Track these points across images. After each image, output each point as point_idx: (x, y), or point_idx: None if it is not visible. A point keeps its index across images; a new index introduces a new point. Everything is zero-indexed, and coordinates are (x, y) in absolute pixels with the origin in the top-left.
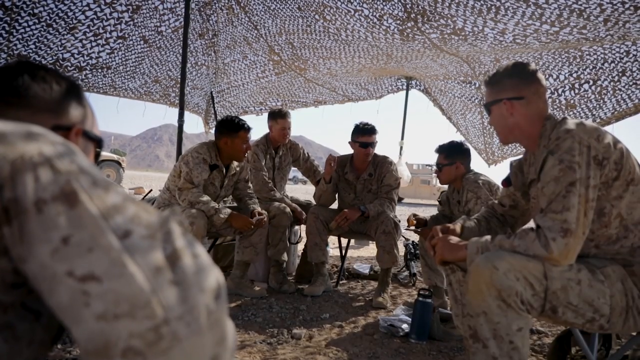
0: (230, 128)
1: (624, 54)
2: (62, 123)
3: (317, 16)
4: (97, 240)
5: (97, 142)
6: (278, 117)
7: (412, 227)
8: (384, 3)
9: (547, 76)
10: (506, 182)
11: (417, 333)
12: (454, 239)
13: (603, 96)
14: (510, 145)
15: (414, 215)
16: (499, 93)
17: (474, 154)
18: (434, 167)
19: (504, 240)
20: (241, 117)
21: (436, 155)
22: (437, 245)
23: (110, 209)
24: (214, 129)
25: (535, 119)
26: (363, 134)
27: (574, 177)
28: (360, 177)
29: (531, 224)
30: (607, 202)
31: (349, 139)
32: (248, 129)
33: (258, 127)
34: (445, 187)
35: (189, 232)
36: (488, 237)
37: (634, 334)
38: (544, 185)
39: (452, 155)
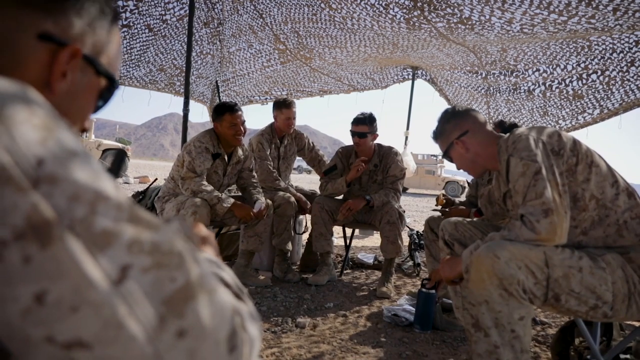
0: (216, 112)
1: (633, 43)
2: (55, 32)
3: (322, 4)
4: (84, 295)
5: (109, 80)
6: (283, 106)
7: (440, 207)
8: None
9: (554, 66)
10: (478, 212)
11: (420, 323)
12: (452, 257)
13: (611, 87)
14: None
15: (444, 195)
16: (447, 139)
17: None
18: (439, 157)
19: (494, 235)
20: (246, 106)
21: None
22: (440, 269)
23: (99, 240)
24: None
25: (486, 142)
26: (352, 123)
27: (537, 167)
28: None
29: None
30: (577, 187)
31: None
32: (233, 111)
33: (263, 116)
34: (450, 176)
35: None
36: (478, 241)
37: (637, 324)
38: (514, 183)
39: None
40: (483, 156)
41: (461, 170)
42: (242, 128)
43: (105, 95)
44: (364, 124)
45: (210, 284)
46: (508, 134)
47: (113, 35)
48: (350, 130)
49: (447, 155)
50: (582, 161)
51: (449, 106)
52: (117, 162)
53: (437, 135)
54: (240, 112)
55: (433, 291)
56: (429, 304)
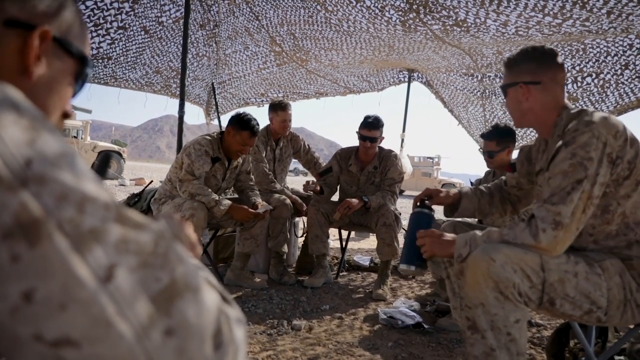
0: (241, 123)
1: (627, 47)
2: (21, 17)
3: (318, 7)
4: (71, 293)
5: (80, 60)
6: (278, 109)
7: None
8: None
9: None
10: (510, 167)
11: (406, 256)
12: (447, 236)
13: (606, 89)
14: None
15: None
16: (516, 76)
17: (476, 146)
18: (435, 160)
19: (492, 232)
20: (242, 108)
21: (482, 142)
22: (427, 241)
23: (86, 239)
24: (215, 120)
25: (550, 106)
26: (364, 127)
27: (582, 175)
28: (365, 170)
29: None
30: (613, 199)
31: (355, 130)
32: (253, 133)
33: (259, 118)
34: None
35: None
36: (477, 231)
37: (632, 326)
38: (552, 176)
39: (504, 141)
40: (537, 116)
41: (458, 172)
42: (248, 151)
43: (81, 76)
44: (376, 129)
45: (195, 283)
46: (576, 111)
47: (77, 14)
48: (361, 135)
49: (504, 89)
50: (633, 176)
51: (542, 45)
52: (102, 164)
53: (510, 65)
54: (256, 138)
55: (427, 211)
56: (421, 227)
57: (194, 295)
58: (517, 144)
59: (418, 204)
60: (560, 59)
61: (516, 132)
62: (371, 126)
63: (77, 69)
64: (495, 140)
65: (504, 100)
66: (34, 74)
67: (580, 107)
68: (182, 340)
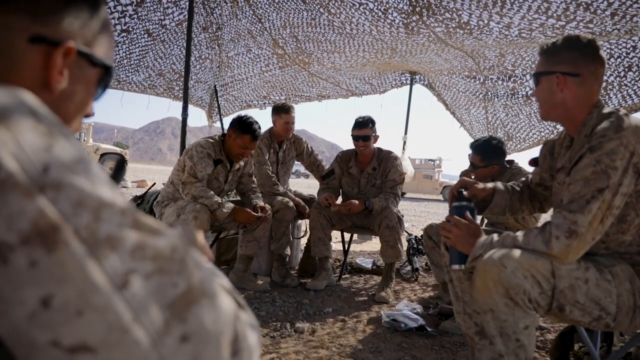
0: (242, 127)
1: (631, 49)
2: (46, 33)
3: (321, 9)
4: (88, 299)
5: (105, 70)
6: (282, 111)
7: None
8: None
9: None
10: (533, 161)
11: (458, 256)
12: (474, 234)
13: (609, 92)
14: (514, 141)
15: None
16: (553, 65)
17: None
18: (437, 162)
19: (507, 237)
20: (245, 110)
21: (470, 152)
22: (455, 231)
23: (103, 246)
24: (217, 122)
25: (584, 102)
26: (354, 127)
27: (605, 184)
28: (364, 171)
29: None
30: (633, 210)
31: None
32: (254, 137)
33: (261, 121)
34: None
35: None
36: (495, 235)
37: (638, 331)
38: (572, 182)
39: (489, 159)
40: (567, 110)
41: (459, 174)
42: (249, 154)
43: (103, 83)
44: (367, 127)
45: (211, 289)
46: (608, 111)
47: (101, 22)
48: (353, 135)
49: (536, 77)
50: None
51: (585, 35)
52: (118, 169)
53: (548, 52)
54: (257, 142)
55: (465, 203)
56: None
57: (211, 302)
58: (518, 145)
59: (455, 195)
60: (603, 54)
61: (518, 135)
62: (360, 125)
63: (100, 76)
64: (481, 155)
65: (503, 103)
66: (56, 89)
67: (613, 107)
68: (198, 346)
